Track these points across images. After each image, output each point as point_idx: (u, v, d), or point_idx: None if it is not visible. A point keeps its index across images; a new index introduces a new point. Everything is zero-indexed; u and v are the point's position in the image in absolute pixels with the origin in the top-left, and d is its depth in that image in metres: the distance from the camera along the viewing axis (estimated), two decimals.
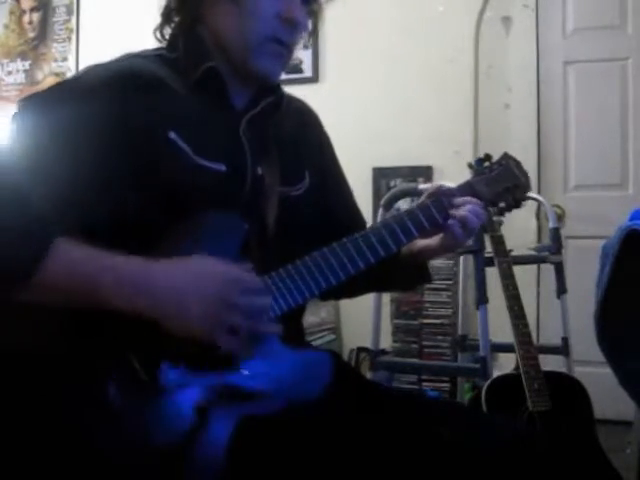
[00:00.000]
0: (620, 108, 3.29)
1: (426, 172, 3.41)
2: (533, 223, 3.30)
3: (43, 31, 4.19)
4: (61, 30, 4.15)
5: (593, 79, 3.33)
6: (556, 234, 2.61)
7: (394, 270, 1.20)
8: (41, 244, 0.87)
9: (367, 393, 1.11)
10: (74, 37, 4.12)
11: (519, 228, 2.94)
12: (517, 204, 1.24)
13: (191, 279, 0.91)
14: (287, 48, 1.12)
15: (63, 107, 1.00)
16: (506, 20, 3.41)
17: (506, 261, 2.17)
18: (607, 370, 1.49)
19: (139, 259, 0.91)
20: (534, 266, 3.13)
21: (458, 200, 1.14)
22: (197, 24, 1.12)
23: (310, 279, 1.03)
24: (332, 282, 1.04)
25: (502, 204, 1.23)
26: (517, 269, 2.21)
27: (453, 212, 1.13)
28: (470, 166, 1.27)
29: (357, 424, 0.99)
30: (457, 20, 3.41)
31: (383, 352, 2.74)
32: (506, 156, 1.26)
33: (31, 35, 4.23)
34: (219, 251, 0.96)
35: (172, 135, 1.02)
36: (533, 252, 2.71)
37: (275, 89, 1.16)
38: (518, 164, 1.26)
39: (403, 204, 2.59)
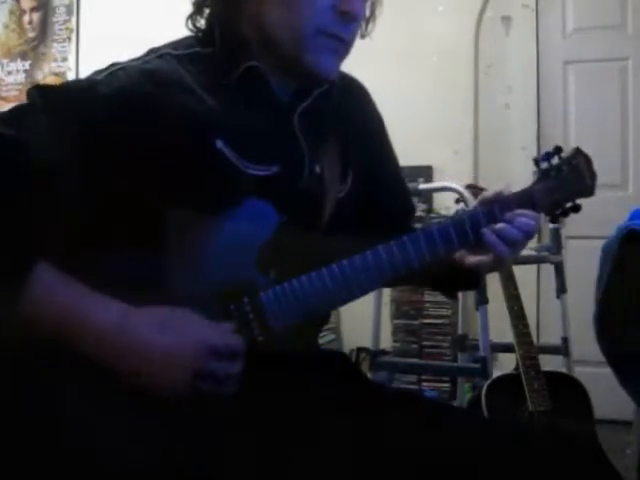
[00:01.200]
0: (620, 108, 3.29)
1: (426, 172, 3.41)
2: None
3: (43, 31, 4.19)
4: (61, 30, 4.15)
5: (593, 79, 3.33)
6: (556, 234, 2.61)
7: (442, 277, 1.11)
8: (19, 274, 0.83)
9: (372, 395, 1.09)
10: (74, 37, 4.12)
11: None
12: (576, 210, 1.09)
13: (164, 343, 0.88)
14: (343, 43, 1.01)
15: (76, 109, 0.94)
16: (506, 20, 3.41)
17: None
18: (607, 370, 1.49)
19: (115, 307, 0.88)
20: (534, 266, 3.13)
21: (510, 214, 1.01)
22: (236, 14, 1.00)
23: (347, 284, 0.96)
24: (361, 293, 0.98)
25: (559, 211, 1.09)
26: (517, 269, 2.21)
27: (501, 227, 1.00)
28: (536, 162, 1.08)
29: (359, 424, 0.98)
30: (457, 20, 3.41)
31: (383, 352, 2.74)
32: (577, 153, 1.09)
33: (31, 35, 4.23)
34: (242, 240, 0.93)
35: (219, 145, 0.95)
36: (533, 252, 2.70)
37: None
38: (589, 163, 1.09)
39: None
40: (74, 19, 4.12)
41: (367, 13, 1.06)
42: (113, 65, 0.99)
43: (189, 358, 0.88)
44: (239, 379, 0.91)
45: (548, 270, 2.75)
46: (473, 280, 1.13)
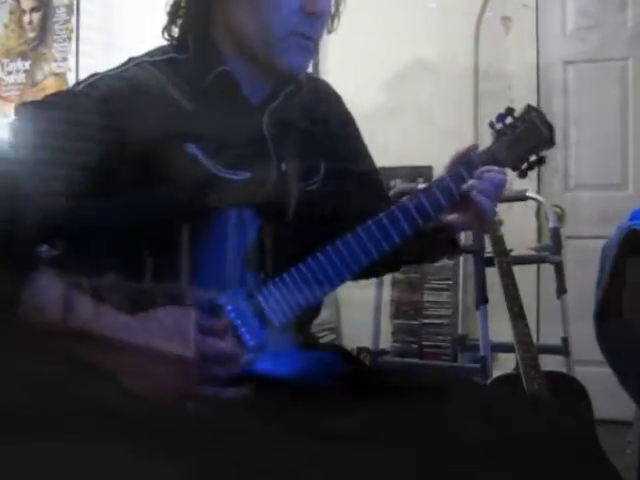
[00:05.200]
0: (620, 108, 3.29)
1: (426, 172, 3.41)
2: (533, 223, 3.30)
3: (43, 31, 4.19)
4: (61, 30, 4.15)
5: (593, 79, 3.33)
6: (556, 234, 2.61)
7: (419, 245, 1.14)
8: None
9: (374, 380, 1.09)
10: (74, 37, 4.11)
11: (519, 228, 2.94)
12: (541, 162, 1.17)
13: (156, 348, 0.88)
14: (312, 41, 1.04)
15: (59, 120, 0.97)
16: (506, 20, 3.41)
17: (506, 261, 2.17)
18: (607, 370, 1.49)
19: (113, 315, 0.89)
20: (534, 266, 3.13)
21: (477, 172, 1.08)
22: (208, 20, 1.05)
23: (335, 268, 1.00)
24: (350, 274, 1.02)
25: (525, 165, 1.16)
26: (517, 269, 2.21)
27: (472, 183, 1.07)
28: (491, 125, 1.16)
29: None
30: (457, 20, 3.41)
31: (383, 352, 2.75)
32: (529, 109, 1.17)
33: (31, 35, 4.23)
34: (230, 248, 0.95)
35: (191, 148, 0.98)
36: (533, 252, 2.71)
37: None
38: (541, 116, 1.17)
39: None
40: (74, 19, 4.12)
41: (332, 10, 1.09)
42: (92, 76, 1.02)
43: (183, 364, 0.88)
44: (239, 383, 0.91)
45: (548, 270, 2.75)
46: (450, 241, 1.18)
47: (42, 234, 0.94)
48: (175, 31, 1.08)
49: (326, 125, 1.16)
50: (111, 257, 0.94)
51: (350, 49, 3.53)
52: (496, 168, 1.10)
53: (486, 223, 1.14)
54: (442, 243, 1.17)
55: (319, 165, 1.12)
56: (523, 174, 1.17)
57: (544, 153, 1.16)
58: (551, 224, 2.64)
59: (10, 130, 0.97)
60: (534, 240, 3.24)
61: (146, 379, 0.87)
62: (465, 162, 1.09)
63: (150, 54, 1.06)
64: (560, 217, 3.21)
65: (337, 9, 1.11)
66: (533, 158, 1.16)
